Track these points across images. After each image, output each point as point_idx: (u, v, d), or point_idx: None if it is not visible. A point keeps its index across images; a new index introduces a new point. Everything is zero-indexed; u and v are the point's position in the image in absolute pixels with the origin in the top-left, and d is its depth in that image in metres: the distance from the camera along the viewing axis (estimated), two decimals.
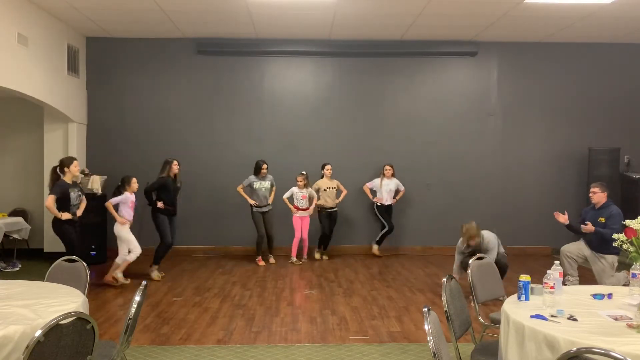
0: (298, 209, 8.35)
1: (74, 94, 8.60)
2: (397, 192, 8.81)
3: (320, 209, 8.54)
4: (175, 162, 7.38)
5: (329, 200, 8.55)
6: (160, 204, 7.21)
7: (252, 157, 8.72)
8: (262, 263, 8.29)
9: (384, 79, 9.30)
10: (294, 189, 8.38)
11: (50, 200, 6.08)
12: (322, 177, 8.63)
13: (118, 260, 6.97)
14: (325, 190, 8.52)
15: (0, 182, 9.27)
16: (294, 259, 8.43)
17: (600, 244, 5.81)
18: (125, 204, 6.97)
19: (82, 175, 8.51)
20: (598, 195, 5.94)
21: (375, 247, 8.94)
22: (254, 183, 8.21)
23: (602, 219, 5.82)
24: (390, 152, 9.18)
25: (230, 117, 9.21)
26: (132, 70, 9.13)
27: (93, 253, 8.22)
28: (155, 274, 7.31)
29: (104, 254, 8.44)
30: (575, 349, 2.15)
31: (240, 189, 8.25)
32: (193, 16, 7.86)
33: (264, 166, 8.23)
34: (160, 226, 7.27)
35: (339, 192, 8.69)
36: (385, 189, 8.70)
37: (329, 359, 4.34)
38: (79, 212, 6.47)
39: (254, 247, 8.45)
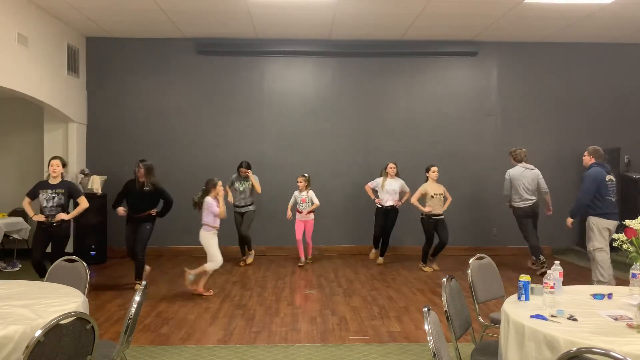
0: (300, 212, 8.13)
1: (74, 94, 8.60)
2: (402, 193, 8.20)
3: (426, 216, 7.77)
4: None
5: (437, 208, 7.74)
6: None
7: (252, 157, 8.72)
8: (242, 264, 8.21)
9: (384, 79, 9.30)
10: (296, 193, 8.19)
11: (24, 201, 6.10)
12: (426, 180, 7.88)
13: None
14: (432, 196, 7.72)
15: (0, 182, 9.27)
16: (302, 260, 8.24)
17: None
18: (209, 209, 6.35)
19: (83, 175, 8.52)
20: (585, 159, 6.40)
21: (376, 259, 8.56)
22: (235, 182, 8.11)
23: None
24: (390, 152, 9.17)
25: (230, 117, 9.21)
26: (132, 70, 9.13)
27: (93, 253, 8.22)
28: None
29: (103, 254, 8.45)
30: (575, 349, 2.15)
31: (227, 186, 8.04)
32: (193, 16, 7.87)
33: (242, 170, 8.02)
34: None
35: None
36: (388, 189, 8.15)
37: (329, 359, 4.34)
38: (65, 216, 6.03)
39: (255, 247, 8.47)
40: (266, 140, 9.21)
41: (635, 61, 9.35)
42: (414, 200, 7.82)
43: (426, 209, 7.73)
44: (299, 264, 8.18)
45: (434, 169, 7.82)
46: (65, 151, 8.62)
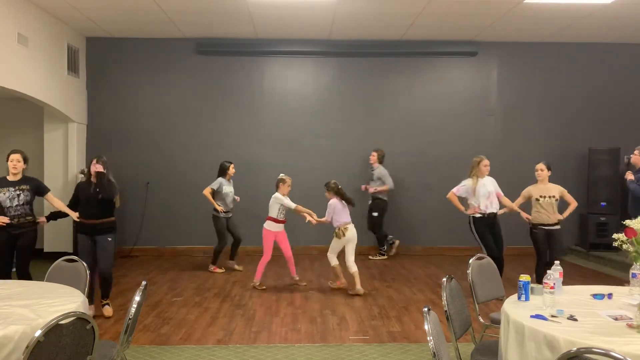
0: (277, 221, 6.65)
1: (74, 94, 8.59)
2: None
3: (531, 226, 6.25)
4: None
5: (543, 214, 6.13)
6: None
7: (252, 157, 8.72)
8: (218, 270, 7.69)
9: (384, 79, 9.30)
10: (280, 196, 6.58)
11: None
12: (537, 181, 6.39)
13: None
14: (538, 199, 6.14)
15: None
16: (257, 282, 6.71)
17: (633, 204, 5.86)
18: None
19: (82, 175, 8.51)
20: (636, 158, 6.13)
21: None
22: (224, 187, 7.55)
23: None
24: (390, 152, 9.16)
25: (230, 118, 9.21)
26: (132, 70, 9.13)
27: None
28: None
29: None
30: (575, 349, 2.15)
31: (208, 192, 7.44)
32: (193, 16, 7.86)
33: (232, 166, 7.63)
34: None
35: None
36: (483, 191, 6.34)
37: (329, 359, 4.34)
38: (74, 215, 5.51)
39: (254, 247, 8.42)
40: (266, 140, 9.21)
41: (635, 61, 9.35)
42: (515, 206, 6.41)
43: (533, 218, 6.22)
44: (253, 285, 6.77)
45: (541, 166, 6.28)
46: (65, 151, 8.63)
